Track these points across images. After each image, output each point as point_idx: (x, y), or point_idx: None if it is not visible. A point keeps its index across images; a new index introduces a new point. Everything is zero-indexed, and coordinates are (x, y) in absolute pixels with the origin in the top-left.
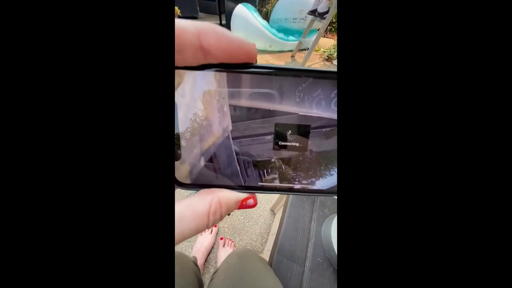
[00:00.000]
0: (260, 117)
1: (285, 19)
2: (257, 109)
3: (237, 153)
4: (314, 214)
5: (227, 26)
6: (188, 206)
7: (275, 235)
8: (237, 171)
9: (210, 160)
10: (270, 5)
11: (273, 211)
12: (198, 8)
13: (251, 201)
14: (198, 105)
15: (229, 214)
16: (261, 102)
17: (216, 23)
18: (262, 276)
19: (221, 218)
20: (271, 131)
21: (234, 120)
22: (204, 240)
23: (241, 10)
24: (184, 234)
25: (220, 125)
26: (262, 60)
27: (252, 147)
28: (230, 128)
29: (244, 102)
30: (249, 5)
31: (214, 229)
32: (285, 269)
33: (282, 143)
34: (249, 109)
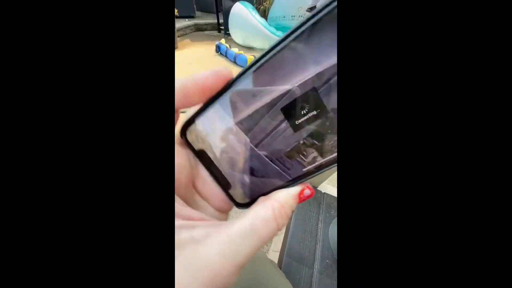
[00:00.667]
0: (266, 113)
1: (283, 17)
2: (258, 109)
3: (267, 156)
4: (321, 215)
5: (225, 24)
6: (254, 216)
7: (281, 236)
8: (277, 170)
9: (252, 173)
10: (268, 2)
11: None
12: (195, 7)
13: (307, 191)
14: (217, 141)
15: (293, 212)
16: (258, 102)
17: (214, 22)
18: (274, 280)
19: (288, 217)
20: (281, 118)
21: (247, 131)
22: None
23: (239, 8)
24: (263, 240)
25: (240, 143)
26: None
27: (275, 142)
28: (248, 140)
29: (245, 112)
30: (247, 3)
31: None
32: (294, 271)
33: (299, 121)
34: (252, 114)
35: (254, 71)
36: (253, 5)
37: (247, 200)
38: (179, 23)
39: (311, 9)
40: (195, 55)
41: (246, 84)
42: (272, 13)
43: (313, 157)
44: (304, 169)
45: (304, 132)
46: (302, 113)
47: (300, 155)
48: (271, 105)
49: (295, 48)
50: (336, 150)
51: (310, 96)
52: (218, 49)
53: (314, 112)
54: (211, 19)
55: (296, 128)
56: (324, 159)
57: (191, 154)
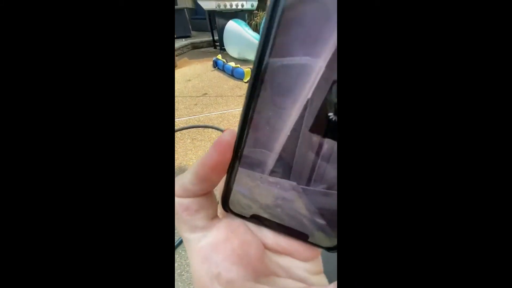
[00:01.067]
0: (295, 145)
1: None
2: (284, 147)
3: (326, 188)
4: None
5: (220, 40)
6: None
7: None
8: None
9: (322, 213)
10: (258, 17)
11: None
12: (190, 27)
13: None
14: (264, 199)
15: None
16: (278, 137)
17: (209, 39)
18: None
19: None
20: (316, 139)
21: (287, 175)
22: None
23: (232, 25)
24: None
25: (288, 191)
26: None
27: (326, 168)
28: (295, 183)
29: (272, 157)
30: (239, 20)
31: None
32: None
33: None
34: (280, 155)
35: (250, 120)
36: (245, 21)
37: (335, 240)
38: (176, 43)
39: None
40: (194, 72)
41: (256, 126)
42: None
43: None
44: None
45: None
46: (333, 119)
47: None
48: (295, 131)
49: (273, 65)
50: None
51: (331, 96)
52: (215, 64)
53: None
54: (206, 37)
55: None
56: None
57: (245, 223)
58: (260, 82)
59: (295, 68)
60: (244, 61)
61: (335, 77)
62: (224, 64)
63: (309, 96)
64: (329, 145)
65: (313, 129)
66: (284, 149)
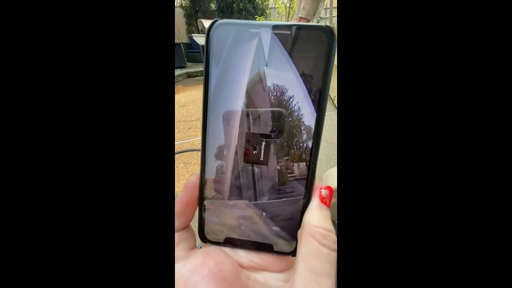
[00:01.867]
0: (237, 174)
1: None
2: (228, 176)
3: (270, 198)
4: None
5: None
6: (306, 259)
7: None
8: (288, 200)
9: (276, 221)
10: None
11: None
12: (185, 59)
13: (324, 192)
14: (230, 222)
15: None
16: (226, 170)
17: (203, 70)
18: None
19: (331, 226)
20: (249, 167)
21: (239, 197)
22: None
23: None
24: (332, 273)
25: (246, 210)
26: None
27: (264, 185)
28: (247, 202)
29: (226, 185)
30: None
31: None
32: None
33: (261, 157)
34: (233, 185)
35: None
36: None
37: (294, 244)
38: None
39: None
40: (188, 98)
41: (210, 165)
42: None
43: (297, 166)
44: (302, 177)
45: (272, 160)
46: (257, 149)
47: (288, 174)
48: (236, 163)
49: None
50: (303, 143)
51: (250, 135)
52: None
53: (263, 140)
54: (200, 68)
55: (265, 161)
56: (304, 160)
57: (219, 250)
58: (204, 129)
59: (226, 118)
60: None
61: (251, 118)
62: None
63: (236, 142)
64: (259, 169)
65: (245, 161)
66: (233, 176)
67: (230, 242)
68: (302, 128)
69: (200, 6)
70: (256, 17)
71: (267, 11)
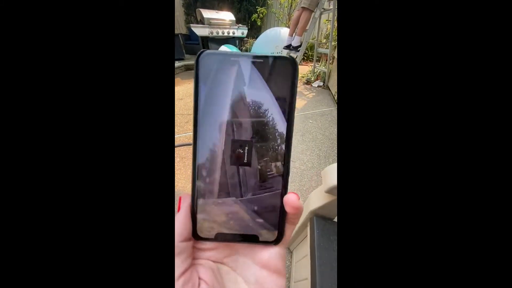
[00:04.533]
0: (224, 172)
1: None
2: (215, 177)
3: (254, 194)
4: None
5: None
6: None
7: (305, 281)
8: (269, 195)
9: (259, 213)
10: (248, 43)
11: (289, 249)
12: (184, 50)
13: (291, 197)
14: (220, 218)
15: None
16: (211, 175)
17: None
18: None
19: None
20: (235, 168)
21: (226, 195)
22: None
23: (224, 50)
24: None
25: (233, 206)
26: None
27: (248, 182)
28: (234, 198)
29: (215, 186)
30: (231, 45)
31: None
32: None
33: (246, 158)
34: (220, 187)
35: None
36: (236, 46)
37: (276, 233)
38: None
39: (287, 46)
40: (186, 92)
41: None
42: (253, 52)
43: (274, 165)
44: (279, 174)
45: (254, 161)
46: (241, 153)
47: (268, 172)
48: (224, 165)
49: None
50: (278, 146)
51: (233, 142)
52: None
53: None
54: None
55: (248, 162)
56: (279, 160)
57: (211, 244)
58: (195, 137)
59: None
60: None
61: (234, 125)
62: None
63: (223, 147)
64: (244, 170)
65: (232, 161)
66: (221, 177)
67: (220, 237)
68: (276, 134)
69: None
70: (257, 8)
71: (269, 2)
